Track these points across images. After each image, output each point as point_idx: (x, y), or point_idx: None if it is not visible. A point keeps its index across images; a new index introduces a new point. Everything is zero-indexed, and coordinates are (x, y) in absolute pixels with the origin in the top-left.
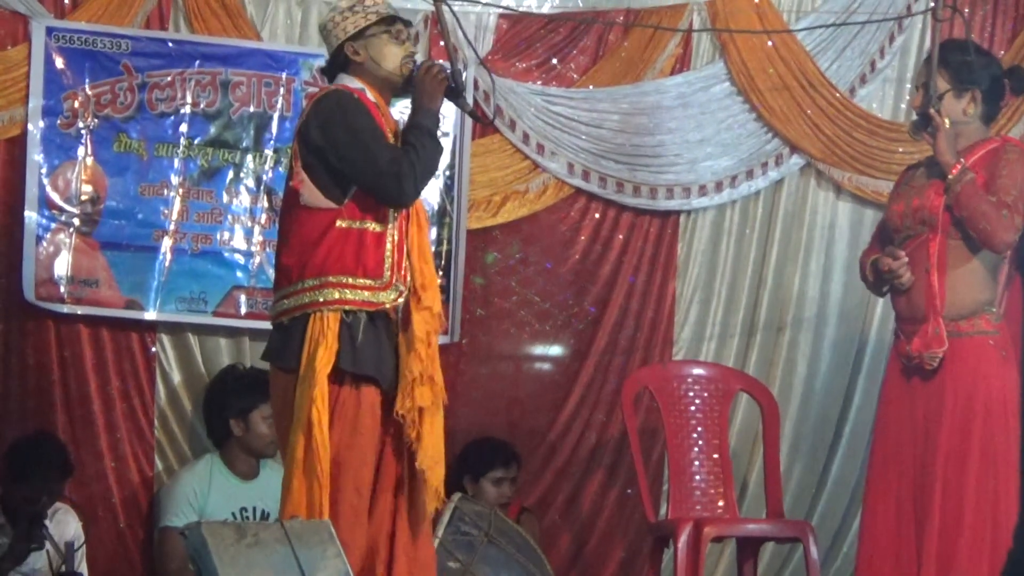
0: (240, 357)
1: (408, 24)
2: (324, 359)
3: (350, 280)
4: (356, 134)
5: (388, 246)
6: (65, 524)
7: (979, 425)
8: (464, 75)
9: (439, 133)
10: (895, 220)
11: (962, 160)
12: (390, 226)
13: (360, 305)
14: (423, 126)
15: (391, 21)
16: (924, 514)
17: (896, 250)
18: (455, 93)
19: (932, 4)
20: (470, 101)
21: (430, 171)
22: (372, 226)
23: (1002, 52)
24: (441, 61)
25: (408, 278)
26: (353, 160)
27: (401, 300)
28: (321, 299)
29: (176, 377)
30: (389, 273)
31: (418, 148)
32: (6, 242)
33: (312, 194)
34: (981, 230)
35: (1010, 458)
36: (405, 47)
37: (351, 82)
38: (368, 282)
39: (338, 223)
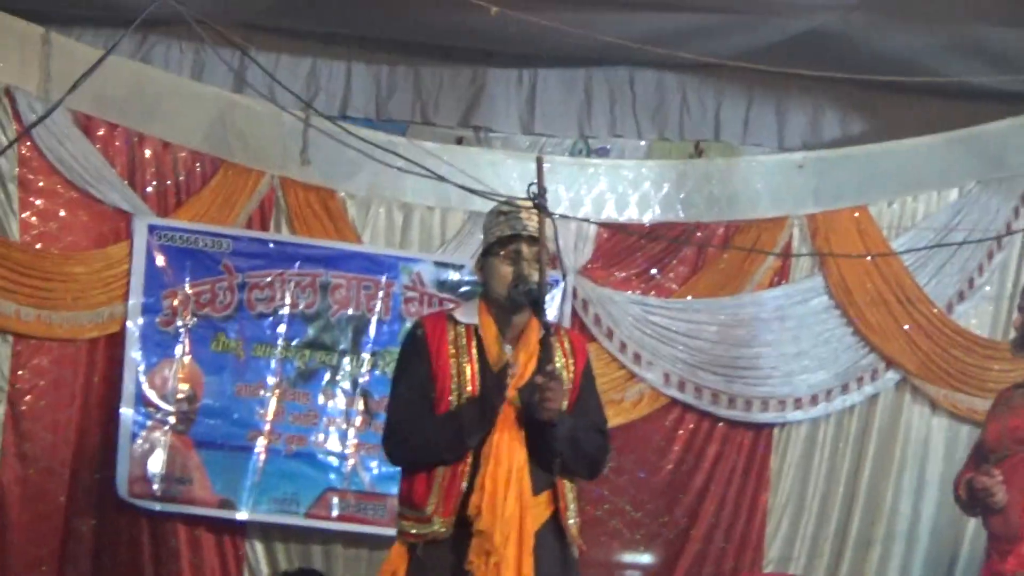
0: (330, 561)
1: (534, 240)
2: None
3: (406, 512)
4: (394, 376)
5: (437, 481)
6: None
7: None
8: (556, 286)
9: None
10: (991, 440)
11: None
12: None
13: (414, 538)
14: (462, 421)
15: (507, 241)
16: None
17: (991, 468)
18: (537, 306)
19: None
20: (567, 311)
21: (427, 455)
22: None
23: None
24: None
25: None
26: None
27: (444, 531)
28: (396, 529)
29: None
30: (432, 508)
31: (436, 427)
32: (102, 438)
33: None
34: None
35: None
36: (518, 267)
37: (467, 304)
38: (415, 514)
39: None
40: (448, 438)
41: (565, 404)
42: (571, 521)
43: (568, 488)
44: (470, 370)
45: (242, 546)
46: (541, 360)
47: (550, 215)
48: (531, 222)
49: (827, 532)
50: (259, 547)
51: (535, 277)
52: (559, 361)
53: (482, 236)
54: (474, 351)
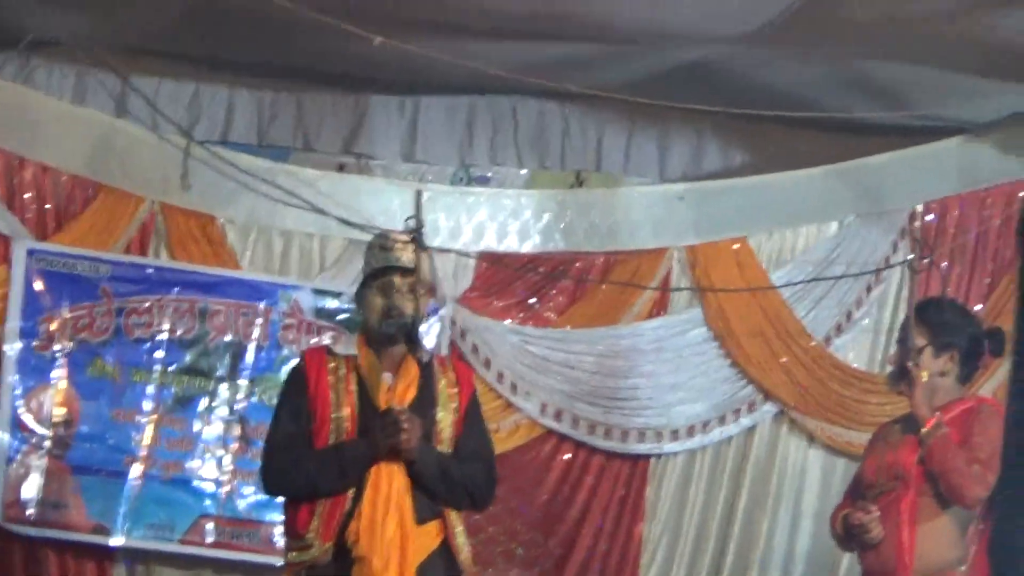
0: None
1: (407, 272)
2: None
3: (290, 541)
4: (275, 409)
5: (319, 507)
6: None
7: None
8: (435, 316)
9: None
10: (868, 475)
11: (938, 414)
12: None
13: (297, 566)
14: (344, 457)
15: (379, 274)
16: None
17: (868, 504)
18: (410, 339)
19: (910, 256)
20: (445, 340)
21: (306, 488)
22: None
23: (979, 306)
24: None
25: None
26: None
27: (324, 556)
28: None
29: None
30: (313, 534)
31: (316, 462)
32: None
33: None
34: (952, 485)
35: None
36: (390, 299)
37: (347, 337)
38: (297, 543)
39: None
40: (328, 473)
41: (446, 438)
42: (462, 552)
43: (455, 517)
44: (348, 403)
45: (110, 573)
46: (421, 388)
47: (425, 248)
48: (404, 254)
49: (703, 563)
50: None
51: (408, 309)
52: (443, 391)
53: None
54: (352, 384)
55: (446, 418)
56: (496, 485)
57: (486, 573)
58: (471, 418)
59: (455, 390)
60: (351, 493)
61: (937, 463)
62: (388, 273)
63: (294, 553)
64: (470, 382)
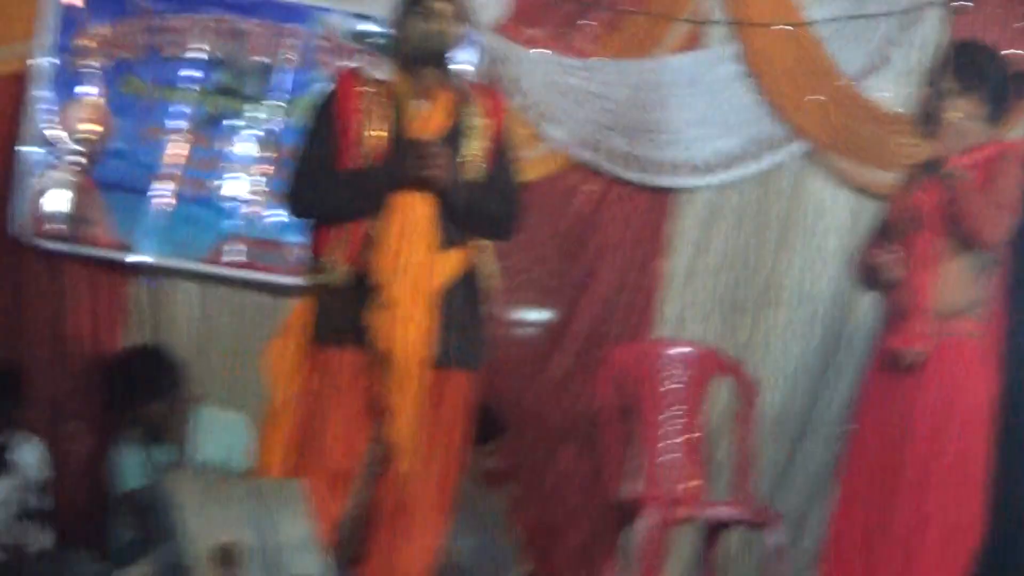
0: (228, 306)
1: None
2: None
3: (311, 263)
4: (303, 131)
5: (341, 234)
6: (27, 454)
7: (956, 429)
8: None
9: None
10: (892, 216)
11: (963, 157)
12: None
13: (316, 288)
14: (367, 181)
15: None
16: (890, 513)
17: (889, 245)
18: (447, 71)
19: None
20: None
21: (329, 210)
22: None
23: (1014, 49)
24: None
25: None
26: None
27: (342, 278)
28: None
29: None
30: (332, 255)
31: (340, 183)
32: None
33: None
34: (971, 226)
35: (979, 469)
36: (432, 24)
37: (382, 60)
38: (317, 264)
39: None
40: (350, 195)
41: (476, 167)
42: (490, 276)
43: (482, 244)
44: (379, 128)
45: (132, 290)
46: (453, 116)
47: None
48: None
49: (722, 299)
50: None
51: (450, 35)
52: (476, 120)
53: None
54: (384, 109)
55: (477, 147)
56: (522, 215)
57: (508, 299)
58: (501, 148)
59: (487, 119)
60: (374, 219)
61: (958, 204)
62: None
63: (314, 275)
64: (502, 110)
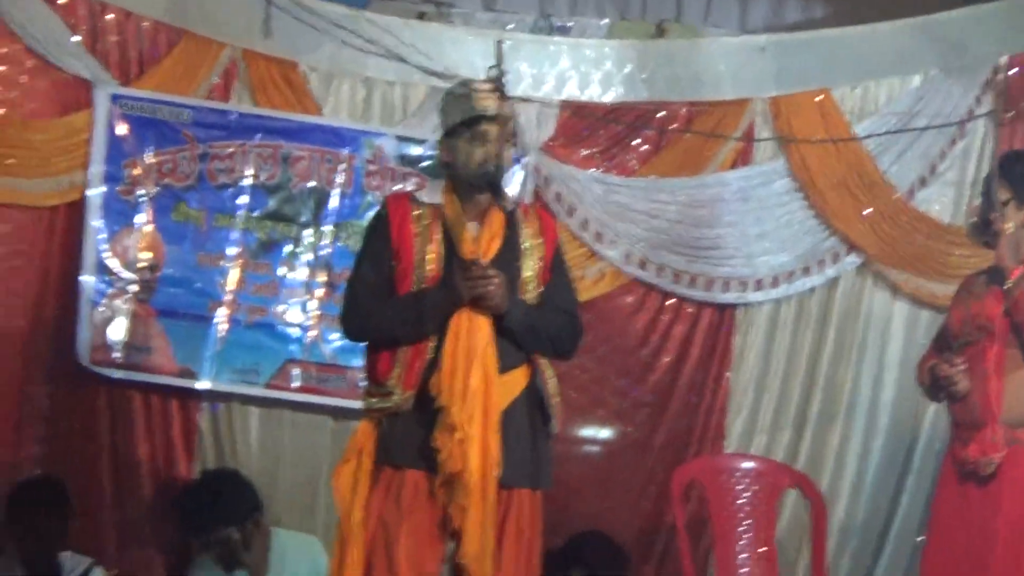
0: (293, 430)
1: (496, 120)
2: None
3: (371, 387)
4: (357, 255)
5: (400, 354)
6: None
7: None
8: (518, 164)
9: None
10: (954, 327)
11: (1022, 266)
12: None
13: (378, 412)
14: (423, 305)
15: (471, 123)
16: None
17: (953, 357)
18: (498, 193)
19: (994, 109)
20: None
21: (385, 335)
22: None
23: None
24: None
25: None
26: None
27: (405, 404)
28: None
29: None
30: (394, 381)
31: (396, 308)
32: (61, 306)
33: None
34: None
35: None
36: (485, 148)
37: (432, 184)
38: (378, 389)
39: None
40: (407, 320)
41: (531, 288)
42: (552, 394)
43: (544, 362)
44: (432, 251)
45: (195, 416)
46: (506, 238)
47: (508, 97)
48: (491, 102)
49: (788, 412)
50: (211, 416)
51: (501, 158)
52: (528, 241)
53: (441, 116)
54: (437, 232)
55: (531, 268)
56: (581, 335)
57: (575, 418)
58: (556, 268)
59: (540, 240)
60: (433, 342)
61: (1022, 314)
62: (479, 122)
63: (375, 400)
64: (554, 231)
